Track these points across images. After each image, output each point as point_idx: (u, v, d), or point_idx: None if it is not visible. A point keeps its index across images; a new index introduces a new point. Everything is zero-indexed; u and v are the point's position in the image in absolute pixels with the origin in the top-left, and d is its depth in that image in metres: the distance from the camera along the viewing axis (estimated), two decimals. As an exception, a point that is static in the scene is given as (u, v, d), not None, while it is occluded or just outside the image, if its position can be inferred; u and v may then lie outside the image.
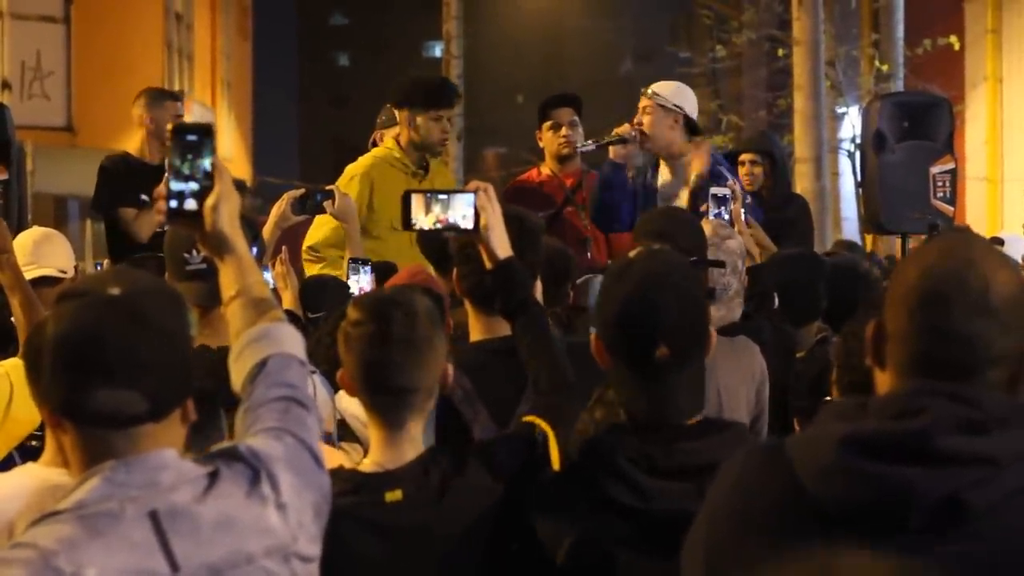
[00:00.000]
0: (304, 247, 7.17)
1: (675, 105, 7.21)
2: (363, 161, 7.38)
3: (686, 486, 2.99)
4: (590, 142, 7.37)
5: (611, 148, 7.20)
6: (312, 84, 57.79)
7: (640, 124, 7.20)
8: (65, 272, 6.05)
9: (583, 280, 5.75)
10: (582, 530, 3.08)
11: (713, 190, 6.60)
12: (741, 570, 2.34)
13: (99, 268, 7.36)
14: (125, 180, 7.91)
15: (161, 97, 8.21)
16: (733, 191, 6.72)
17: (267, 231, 6.21)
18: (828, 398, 4.14)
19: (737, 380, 4.80)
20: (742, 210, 6.78)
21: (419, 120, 7.26)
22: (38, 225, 6.74)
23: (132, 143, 8.35)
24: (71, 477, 2.57)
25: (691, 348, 3.14)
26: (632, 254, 3.20)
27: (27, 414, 4.10)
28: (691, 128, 7.27)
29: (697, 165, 7.16)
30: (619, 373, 3.17)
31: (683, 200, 7.13)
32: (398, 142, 7.36)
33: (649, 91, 7.29)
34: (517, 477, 3.40)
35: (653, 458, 3.05)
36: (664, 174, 7.30)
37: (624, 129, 7.19)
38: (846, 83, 17.68)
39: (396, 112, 7.43)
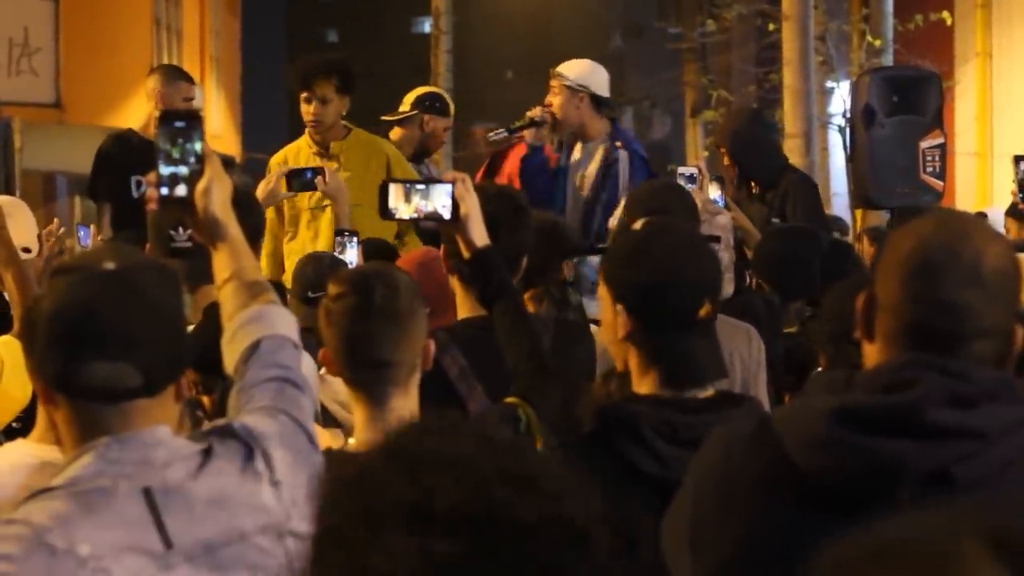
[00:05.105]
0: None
1: (580, 85, 7.28)
2: (282, 151, 7.31)
3: None
4: (502, 130, 7.41)
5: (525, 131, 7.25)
6: (301, 60, 57.63)
7: (550, 106, 7.27)
8: (29, 250, 5.87)
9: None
10: (611, 499, 3.12)
11: (680, 170, 6.67)
12: (726, 543, 2.34)
13: (82, 233, 7.28)
14: (126, 161, 7.85)
15: (176, 76, 8.09)
16: (699, 168, 6.80)
17: None
18: (819, 369, 4.17)
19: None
20: (719, 193, 6.84)
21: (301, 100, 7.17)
22: (25, 202, 6.65)
23: (137, 119, 8.26)
24: (63, 454, 2.57)
25: (717, 309, 3.22)
26: (640, 224, 3.25)
27: (20, 391, 4.09)
28: (601, 104, 7.33)
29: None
30: (650, 339, 3.17)
31: (589, 176, 7.20)
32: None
33: (556, 72, 7.35)
34: None
35: (675, 427, 3.09)
36: (577, 152, 7.36)
37: (535, 112, 7.26)
38: (837, 58, 17.65)
39: None
